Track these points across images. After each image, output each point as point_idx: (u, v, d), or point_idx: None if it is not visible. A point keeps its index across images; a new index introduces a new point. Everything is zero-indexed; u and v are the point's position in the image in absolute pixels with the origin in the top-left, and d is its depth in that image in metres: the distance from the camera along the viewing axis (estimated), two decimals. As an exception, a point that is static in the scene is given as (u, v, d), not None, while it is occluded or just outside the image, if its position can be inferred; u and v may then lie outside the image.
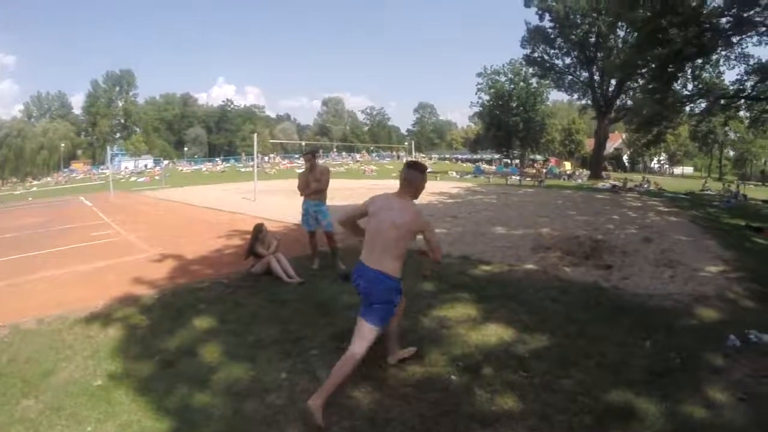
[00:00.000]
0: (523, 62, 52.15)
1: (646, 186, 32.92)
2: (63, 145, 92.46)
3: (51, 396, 4.18)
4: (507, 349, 4.91)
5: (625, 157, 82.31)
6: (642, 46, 23.29)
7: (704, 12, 21.16)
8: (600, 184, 33.80)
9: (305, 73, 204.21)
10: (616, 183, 34.20)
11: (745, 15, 20.04)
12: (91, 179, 51.71)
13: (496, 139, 65.61)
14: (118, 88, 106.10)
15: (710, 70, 26.73)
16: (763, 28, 20.85)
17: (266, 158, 65.94)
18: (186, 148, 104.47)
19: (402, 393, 4.12)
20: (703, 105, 26.21)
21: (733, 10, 20.05)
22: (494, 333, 5.30)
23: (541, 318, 5.71)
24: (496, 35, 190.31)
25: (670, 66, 22.59)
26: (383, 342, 4.46)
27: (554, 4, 42.38)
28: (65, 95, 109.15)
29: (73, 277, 8.53)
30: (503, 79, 62.56)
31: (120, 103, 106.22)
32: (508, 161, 66.95)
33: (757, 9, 19.88)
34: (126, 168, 66.02)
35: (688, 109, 27.37)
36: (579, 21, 42.72)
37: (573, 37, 43.65)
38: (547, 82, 54.62)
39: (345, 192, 23.37)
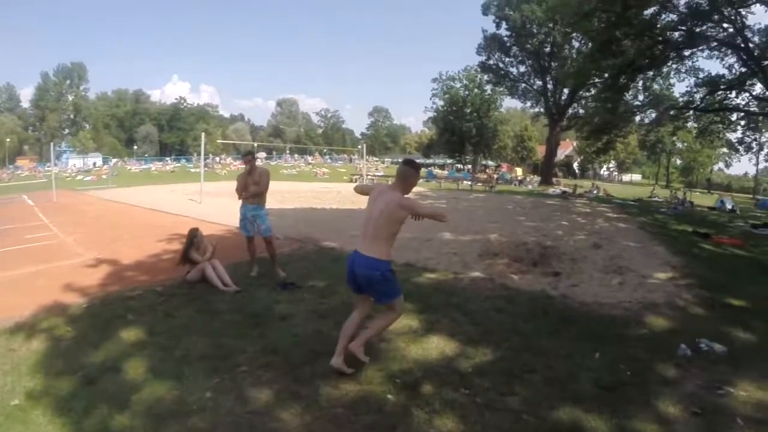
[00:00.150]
0: (479, 69, 52.95)
1: (595, 192, 33.69)
2: (9, 140, 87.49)
3: (-36, 418, 3.76)
4: (448, 364, 4.66)
5: (575, 164, 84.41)
6: (595, 56, 23.80)
7: (658, 26, 21.72)
8: (550, 190, 34.47)
9: (261, 73, 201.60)
10: (566, 189, 34.92)
11: (697, 30, 20.63)
12: (36, 177, 49.12)
13: (449, 144, 66.19)
14: (68, 82, 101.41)
15: (661, 82, 27.62)
16: (714, 43, 21.50)
17: (217, 159, 64.42)
18: (136, 147, 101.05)
19: (333, 414, 3.83)
20: (653, 115, 26.89)
21: (687, 25, 20.60)
22: (436, 346, 5.05)
23: (486, 329, 5.49)
24: (453, 42, 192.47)
25: (623, 76, 23.12)
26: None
27: (511, 13, 43.42)
28: (14, 88, 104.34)
29: (1, 283, 7.93)
30: (458, 85, 63.48)
31: (70, 98, 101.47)
32: (461, 166, 67.50)
33: (710, 24, 20.51)
34: (74, 166, 63.16)
35: (638, 118, 28.16)
36: (535, 31, 44.04)
37: (528, 46, 44.99)
38: (501, 89, 55.87)
39: (294, 195, 23.00)
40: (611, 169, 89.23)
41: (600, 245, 10.97)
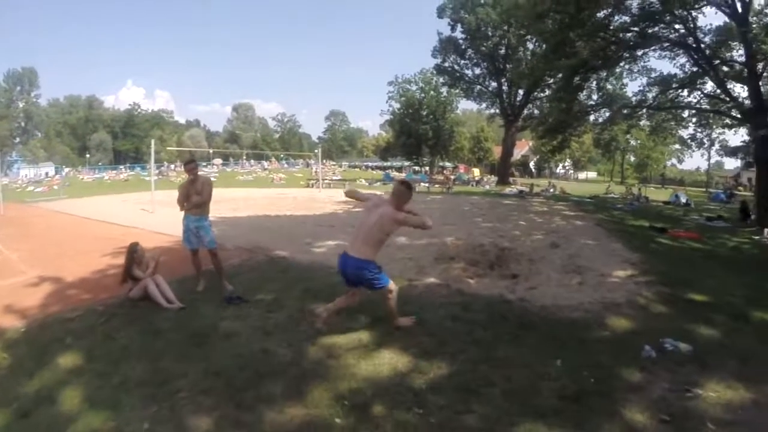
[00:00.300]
0: (434, 72, 53.20)
1: (552, 191, 34.15)
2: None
3: None
4: (401, 382, 4.38)
5: (531, 164, 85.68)
6: (549, 56, 24.11)
7: (611, 27, 22.18)
8: (507, 190, 34.79)
9: (217, 77, 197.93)
10: (523, 188, 35.29)
11: (649, 31, 21.09)
12: (-16, 188, 46.76)
13: (406, 146, 66.33)
14: (19, 88, 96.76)
15: (614, 82, 28.17)
16: (666, 43, 22.03)
17: (172, 166, 62.75)
18: (88, 155, 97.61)
19: (277, 442, 3.52)
20: (607, 114, 27.36)
21: (639, 26, 21.02)
22: (388, 362, 4.76)
23: (441, 340, 5.23)
24: (409, 45, 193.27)
25: (577, 77, 23.45)
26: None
27: (466, 15, 43.73)
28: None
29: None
30: (414, 87, 63.65)
31: (21, 105, 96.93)
32: (418, 168, 67.66)
33: (662, 25, 21.01)
34: (25, 176, 60.43)
35: (592, 118, 28.62)
36: (490, 33, 44.54)
37: (483, 48, 45.46)
38: (457, 91, 56.22)
39: (249, 202, 22.44)
40: (567, 168, 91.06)
41: (558, 244, 10.89)
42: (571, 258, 9.42)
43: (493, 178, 48.49)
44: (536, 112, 44.13)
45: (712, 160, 66.39)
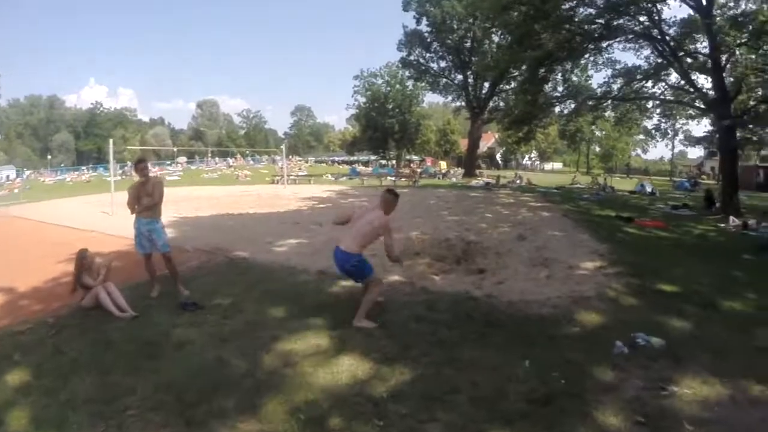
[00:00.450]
0: (400, 65, 53.02)
1: (518, 182, 34.28)
2: None
3: None
4: (361, 391, 4.14)
5: (498, 156, 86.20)
6: (514, 48, 24.14)
7: (576, 19, 22.33)
8: (473, 182, 34.81)
9: (181, 74, 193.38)
10: (489, 180, 35.31)
11: (615, 23, 21.23)
12: (-60, 194, 44.82)
13: (372, 140, 66.19)
14: None
15: (579, 74, 28.38)
16: (631, 35, 22.24)
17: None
18: (49, 156, 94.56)
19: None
20: (573, 106, 27.53)
21: (604, 17, 21.14)
22: (347, 369, 4.51)
23: (404, 344, 4.99)
24: (375, 38, 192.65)
25: (542, 69, 23.51)
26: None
27: (432, 9, 43.58)
28: None
29: None
30: (380, 81, 63.48)
31: None
32: (384, 162, 67.53)
33: (627, 17, 21.18)
34: None
35: (557, 109, 28.84)
36: (455, 26, 44.36)
37: (449, 41, 45.25)
38: (423, 84, 56.11)
39: (212, 201, 21.86)
40: (533, 159, 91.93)
41: (525, 237, 10.78)
42: (538, 250, 9.31)
43: (460, 171, 48.48)
44: (502, 104, 44.35)
45: (676, 150, 68.07)
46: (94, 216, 18.21)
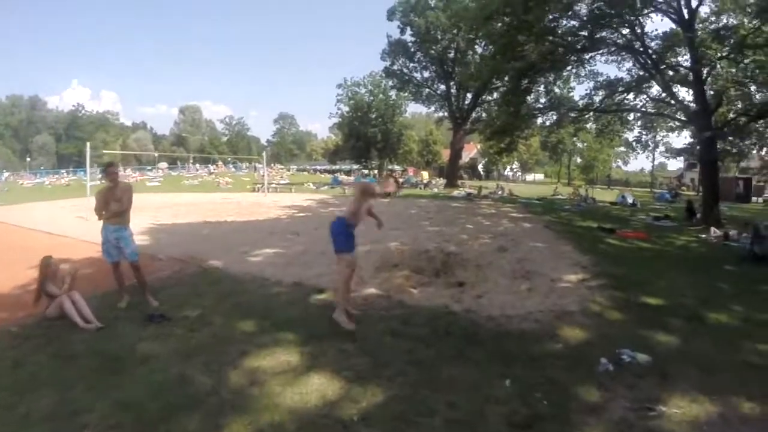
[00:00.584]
0: (383, 74, 53.30)
1: (500, 193, 34.27)
2: None
3: None
4: (330, 412, 3.89)
5: (480, 166, 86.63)
6: (497, 58, 24.22)
7: (559, 31, 22.53)
8: (455, 192, 34.81)
9: (166, 79, 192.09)
10: (471, 191, 35.29)
11: (597, 35, 21.40)
12: None
13: (355, 149, 66.56)
14: None
15: (561, 85, 28.58)
16: (614, 47, 22.44)
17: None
18: (29, 158, 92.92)
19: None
20: (555, 117, 27.69)
21: (587, 29, 21.31)
22: (317, 388, 4.26)
23: (378, 361, 4.75)
24: (358, 47, 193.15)
25: (525, 80, 23.62)
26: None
27: (416, 19, 43.88)
28: None
29: None
30: (363, 90, 64.09)
31: None
32: (366, 171, 67.52)
33: (609, 30, 21.41)
34: None
35: (540, 120, 29.01)
36: (439, 37, 44.70)
37: (433, 51, 45.57)
38: (406, 94, 56.52)
39: (191, 208, 21.41)
40: (515, 170, 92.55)
41: (506, 248, 10.64)
42: (519, 262, 9.17)
43: (442, 181, 48.63)
44: (484, 115, 44.66)
45: (656, 162, 68.89)
46: (70, 221, 17.79)
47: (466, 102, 46.54)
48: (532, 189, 46.06)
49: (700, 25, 19.67)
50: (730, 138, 23.20)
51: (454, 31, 42.08)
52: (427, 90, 49.79)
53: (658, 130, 34.21)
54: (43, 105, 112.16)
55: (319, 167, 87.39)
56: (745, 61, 18.16)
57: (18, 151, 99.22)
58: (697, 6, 19.10)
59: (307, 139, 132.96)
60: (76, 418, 3.91)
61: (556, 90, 28.82)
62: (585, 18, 21.26)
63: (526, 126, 27.68)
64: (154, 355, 5.03)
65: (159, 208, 20.65)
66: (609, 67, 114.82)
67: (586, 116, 26.76)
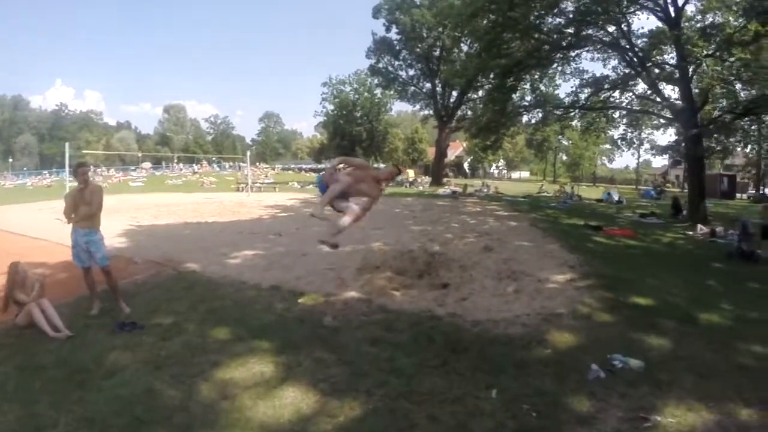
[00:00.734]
0: (368, 73, 53.16)
1: (485, 191, 34.20)
2: None
3: None
4: (304, 428, 3.70)
5: (465, 164, 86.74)
6: (482, 55, 24.15)
7: (545, 28, 22.61)
8: (441, 191, 34.77)
9: (150, 77, 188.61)
10: (456, 189, 35.26)
11: (583, 33, 21.36)
12: None
13: (340, 148, 66.58)
14: None
15: (547, 83, 28.56)
16: (600, 45, 22.51)
17: (98, 170, 59.57)
18: (11, 159, 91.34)
19: None
20: (540, 115, 27.66)
21: (574, 26, 21.28)
22: (291, 402, 4.03)
23: (357, 371, 4.51)
24: (344, 45, 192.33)
25: (510, 77, 23.55)
26: None
27: (402, 17, 43.95)
28: None
29: None
30: (348, 89, 64.49)
31: None
32: (353, 169, 67.44)
33: (596, 28, 21.43)
34: None
35: (525, 118, 28.97)
36: (425, 35, 44.79)
37: (418, 49, 45.70)
38: (391, 92, 56.61)
39: (172, 208, 20.97)
40: (501, 168, 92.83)
41: (491, 247, 10.42)
42: (505, 262, 8.96)
43: (427, 179, 48.59)
44: (470, 113, 44.63)
45: (641, 159, 69.35)
46: (48, 223, 17.38)
47: (452, 100, 46.72)
48: (517, 187, 46.19)
49: (686, 24, 19.66)
50: (716, 135, 23.22)
51: (440, 29, 42.10)
52: (413, 88, 49.89)
53: (644, 127, 34.33)
54: (26, 105, 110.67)
55: (304, 166, 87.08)
56: (731, 59, 18.20)
57: (0, 151, 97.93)
58: (684, 4, 19.15)
59: (293, 137, 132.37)
60: (40, 434, 3.72)
61: (542, 87, 28.83)
62: (571, 15, 21.21)
63: (511, 123, 27.67)
64: (122, 366, 4.81)
65: (140, 208, 20.31)
66: (595, 65, 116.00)
67: (572, 114, 26.78)
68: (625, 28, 21.04)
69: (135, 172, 58.55)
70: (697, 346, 5.17)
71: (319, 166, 79.77)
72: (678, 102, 20.37)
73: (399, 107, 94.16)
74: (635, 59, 21.20)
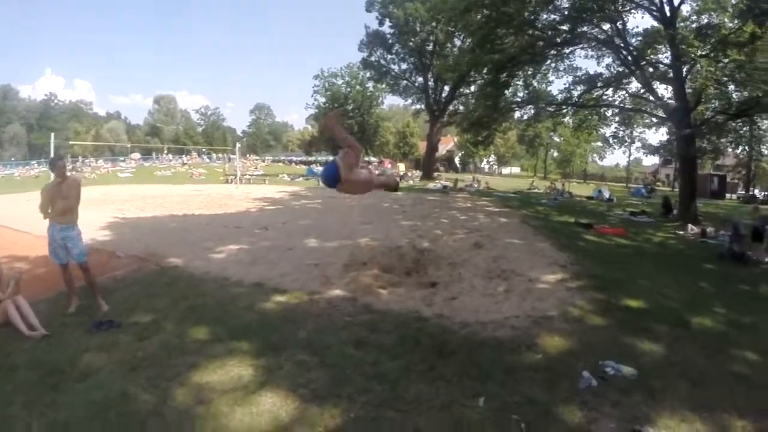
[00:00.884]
0: (361, 66, 53.14)
1: (476, 186, 34.16)
2: None
3: None
4: None
5: (456, 159, 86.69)
6: (475, 51, 24.08)
7: (539, 25, 22.57)
8: (431, 185, 34.68)
9: (141, 68, 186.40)
10: (447, 183, 35.19)
11: (578, 30, 21.27)
12: None
13: (331, 141, 66.06)
14: None
15: (540, 80, 28.55)
16: (594, 42, 22.53)
17: (86, 161, 58.90)
18: (0, 149, 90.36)
19: None
20: (533, 111, 27.62)
21: (569, 22, 21.19)
22: (269, 409, 3.85)
23: (339, 376, 4.32)
24: (336, 38, 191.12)
25: (504, 72, 23.46)
26: None
27: (395, 10, 43.74)
28: None
29: None
30: (340, 82, 64.36)
31: None
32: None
33: (591, 25, 21.39)
34: None
35: (517, 114, 28.95)
36: (418, 29, 44.64)
37: (411, 43, 45.51)
38: (383, 86, 56.40)
39: (159, 201, 20.71)
40: (491, 163, 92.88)
41: (481, 244, 10.26)
42: (495, 260, 8.80)
43: (418, 173, 48.48)
44: (461, 108, 44.63)
45: (632, 157, 69.59)
46: (33, 215, 17.02)
47: (444, 94, 46.62)
48: (508, 182, 46.13)
49: (682, 24, 19.65)
50: (708, 136, 23.28)
51: (433, 24, 41.95)
52: (405, 82, 49.75)
53: (635, 126, 34.43)
54: (15, 95, 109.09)
55: (294, 158, 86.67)
56: (725, 60, 18.21)
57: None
58: (679, 4, 19.13)
59: (284, 129, 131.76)
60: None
61: (535, 84, 28.80)
62: (566, 12, 21.13)
63: (503, 119, 27.65)
64: (96, 368, 4.63)
65: (127, 200, 20.06)
66: (589, 62, 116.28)
67: (564, 110, 26.76)
68: (620, 27, 20.95)
69: (124, 163, 57.95)
70: (690, 351, 5.05)
71: (310, 158, 79.54)
72: (671, 101, 20.36)
73: (391, 101, 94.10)
74: (629, 57, 21.17)
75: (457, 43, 40.76)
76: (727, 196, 39.25)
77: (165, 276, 7.89)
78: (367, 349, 4.88)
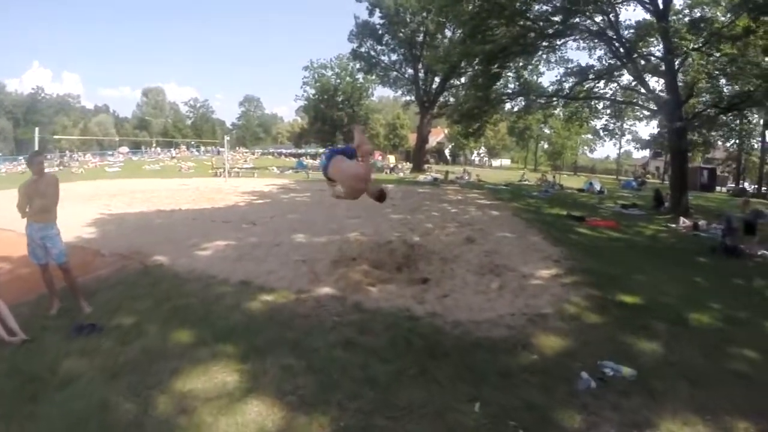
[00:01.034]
0: (350, 57, 52.67)
1: (467, 178, 34.00)
2: None
3: None
4: None
5: (447, 151, 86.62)
6: (466, 41, 23.97)
7: (531, 16, 22.47)
8: (421, 177, 34.45)
9: (130, 60, 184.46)
10: (437, 175, 35.01)
11: (569, 21, 21.17)
12: None
13: (320, 133, 66.56)
14: None
15: (531, 71, 28.44)
16: (586, 34, 22.47)
17: (74, 155, 58.21)
18: None
19: None
20: (523, 103, 27.56)
21: (561, 14, 21.10)
22: (254, 418, 3.66)
23: (327, 381, 4.12)
24: (326, 29, 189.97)
25: (495, 64, 23.35)
26: None
27: (385, 0, 43.32)
28: None
29: None
30: (329, 73, 63.90)
31: None
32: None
33: (583, 17, 21.30)
34: None
35: (508, 106, 28.86)
36: (408, 19, 44.27)
37: (401, 34, 45.13)
38: (373, 77, 56.02)
39: (146, 195, 20.36)
40: (482, 155, 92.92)
41: (473, 239, 10.13)
42: (488, 255, 8.66)
43: (408, 165, 48.35)
44: (452, 99, 44.42)
45: (622, 150, 69.89)
46: (15, 212, 16.71)
47: (434, 86, 46.35)
48: (499, 174, 46.12)
49: (674, 17, 19.67)
50: (699, 129, 23.34)
51: (424, 14, 41.70)
52: (395, 73, 49.44)
53: (626, 118, 34.48)
54: (1, 88, 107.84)
55: (284, 150, 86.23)
56: (717, 54, 18.25)
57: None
58: (673, -3, 19.14)
59: (273, 122, 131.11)
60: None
61: (526, 75, 28.69)
62: (558, 3, 21.06)
63: (494, 111, 27.56)
64: (77, 375, 4.41)
65: (114, 195, 19.77)
66: (580, 54, 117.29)
67: (555, 102, 26.71)
68: (613, 19, 20.90)
69: (112, 157, 57.33)
70: (689, 350, 4.95)
71: (299, 151, 79.20)
72: (663, 94, 20.36)
73: (381, 92, 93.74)
74: (621, 50, 21.15)
75: (448, 33, 40.61)
76: (717, 188, 39.52)
77: (149, 275, 7.62)
78: (357, 351, 4.69)
